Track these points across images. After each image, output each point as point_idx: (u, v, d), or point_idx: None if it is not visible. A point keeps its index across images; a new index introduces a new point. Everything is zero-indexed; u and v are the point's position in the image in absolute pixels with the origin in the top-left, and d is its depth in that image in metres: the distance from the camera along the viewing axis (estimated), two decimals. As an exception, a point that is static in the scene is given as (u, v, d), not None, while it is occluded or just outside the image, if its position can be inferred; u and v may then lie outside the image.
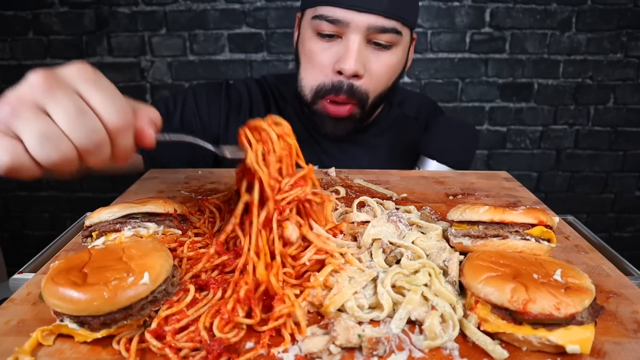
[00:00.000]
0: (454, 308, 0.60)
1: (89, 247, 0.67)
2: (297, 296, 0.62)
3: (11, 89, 0.52)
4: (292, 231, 0.66)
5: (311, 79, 1.21)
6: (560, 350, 0.54)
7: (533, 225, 0.70)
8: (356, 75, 1.15)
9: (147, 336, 0.55)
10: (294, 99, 1.40)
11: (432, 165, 1.29)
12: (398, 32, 1.14)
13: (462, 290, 0.64)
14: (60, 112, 0.50)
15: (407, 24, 1.17)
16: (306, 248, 0.69)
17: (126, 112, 0.55)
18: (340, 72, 1.15)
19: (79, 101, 0.51)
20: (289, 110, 1.40)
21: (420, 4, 2.38)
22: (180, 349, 0.54)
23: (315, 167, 1.36)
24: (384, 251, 0.70)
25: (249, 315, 0.60)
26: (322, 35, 1.16)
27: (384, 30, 1.12)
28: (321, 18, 1.13)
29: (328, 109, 1.21)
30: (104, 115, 0.53)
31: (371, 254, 0.71)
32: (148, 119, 0.60)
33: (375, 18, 1.10)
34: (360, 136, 1.39)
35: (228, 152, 0.72)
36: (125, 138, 0.56)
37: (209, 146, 0.70)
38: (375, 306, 0.62)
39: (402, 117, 1.48)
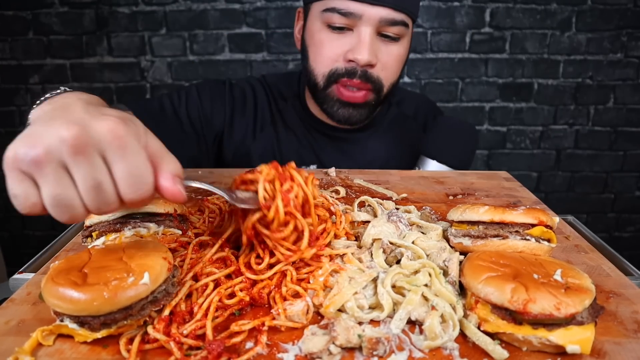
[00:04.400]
0: (454, 308, 0.60)
1: (89, 247, 0.67)
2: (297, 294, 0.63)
3: (40, 126, 0.51)
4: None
5: (323, 65, 1.21)
6: (560, 350, 0.54)
7: (533, 225, 0.70)
8: (369, 65, 1.17)
9: (150, 330, 0.55)
10: (294, 98, 1.40)
11: (432, 165, 1.29)
12: (406, 25, 1.17)
13: (462, 290, 0.64)
14: (80, 179, 0.51)
15: (412, 17, 1.20)
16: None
17: (145, 187, 0.54)
18: (351, 61, 1.16)
19: (100, 173, 0.52)
20: (289, 109, 1.40)
21: (420, 3, 2.39)
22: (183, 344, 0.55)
23: (314, 167, 1.36)
24: (384, 251, 0.70)
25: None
26: (332, 28, 1.17)
27: (394, 22, 1.14)
28: (333, 11, 1.14)
29: (341, 94, 1.21)
30: (122, 189, 0.53)
31: (371, 254, 0.71)
32: (171, 177, 0.56)
33: (387, 11, 1.12)
34: (359, 135, 1.39)
35: (241, 198, 0.66)
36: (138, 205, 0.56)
37: (224, 194, 0.64)
38: (376, 306, 0.62)
39: (400, 116, 1.49)
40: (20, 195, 0.52)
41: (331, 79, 1.21)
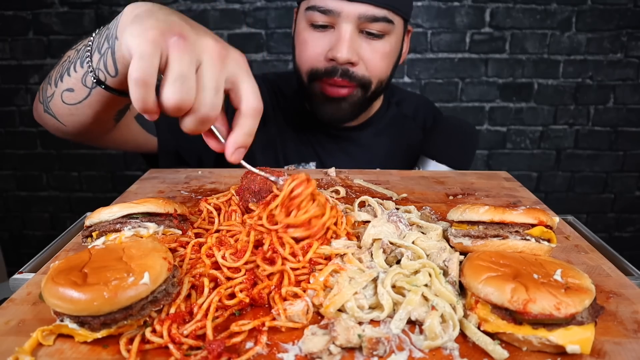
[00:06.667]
0: (454, 308, 0.60)
1: (89, 247, 0.67)
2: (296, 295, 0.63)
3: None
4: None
5: (305, 64, 1.23)
6: (560, 350, 0.54)
7: (533, 226, 0.70)
8: (350, 63, 1.17)
9: (148, 334, 0.55)
10: (294, 96, 1.40)
11: (432, 166, 1.29)
12: (389, 21, 1.16)
13: (462, 290, 0.64)
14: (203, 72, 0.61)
15: (399, 13, 1.19)
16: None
17: (213, 108, 0.61)
18: (333, 60, 1.16)
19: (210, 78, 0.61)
20: (289, 107, 1.41)
21: (420, 4, 2.39)
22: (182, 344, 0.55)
23: (313, 165, 1.36)
24: (384, 251, 0.70)
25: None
26: (315, 26, 1.18)
27: (375, 19, 1.14)
28: (313, 9, 1.15)
29: (325, 89, 1.21)
30: (199, 96, 0.60)
31: (371, 254, 0.71)
32: (235, 144, 0.65)
33: (366, 7, 1.12)
34: (358, 134, 1.40)
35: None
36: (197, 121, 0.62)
37: (271, 177, 0.73)
38: (376, 306, 0.62)
39: (399, 116, 1.49)
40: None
41: (313, 77, 1.22)
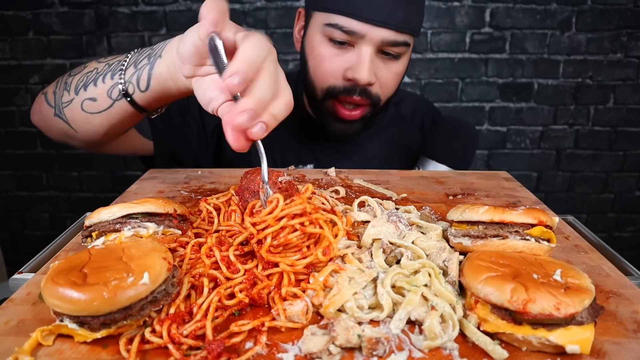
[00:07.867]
0: (453, 308, 0.60)
1: (89, 247, 0.67)
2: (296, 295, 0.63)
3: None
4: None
5: (322, 81, 1.21)
6: (560, 351, 0.54)
7: (533, 226, 0.70)
8: (368, 84, 1.17)
9: (147, 334, 0.55)
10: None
11: (432, 166, 1.30)
12: (408, 45, 1.17)
13: (462, 290, 0.64)
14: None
15: (415, 35, 1.19)
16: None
17: (262, 102, 0.69)
18: (351, 79, 1.16)
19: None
20: None
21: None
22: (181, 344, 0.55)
23: (311, 166, 1.36)
24: (384, 251, 0.70)
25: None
26: (333, 42, 1.16)
27: (396, 43, 1.14)
28: (336, 27, 1.13)
29: (339, 111, 1.21)
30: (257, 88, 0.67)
31: (371, 254, 0.71)
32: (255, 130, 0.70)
33: (390, 32, 1.12)
34: (356, 135, 1.40)
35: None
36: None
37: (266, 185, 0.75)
38: (375, 306, 0.62)
39: (398, 117, 1.49)
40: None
41: (329, 95, 1.21)
